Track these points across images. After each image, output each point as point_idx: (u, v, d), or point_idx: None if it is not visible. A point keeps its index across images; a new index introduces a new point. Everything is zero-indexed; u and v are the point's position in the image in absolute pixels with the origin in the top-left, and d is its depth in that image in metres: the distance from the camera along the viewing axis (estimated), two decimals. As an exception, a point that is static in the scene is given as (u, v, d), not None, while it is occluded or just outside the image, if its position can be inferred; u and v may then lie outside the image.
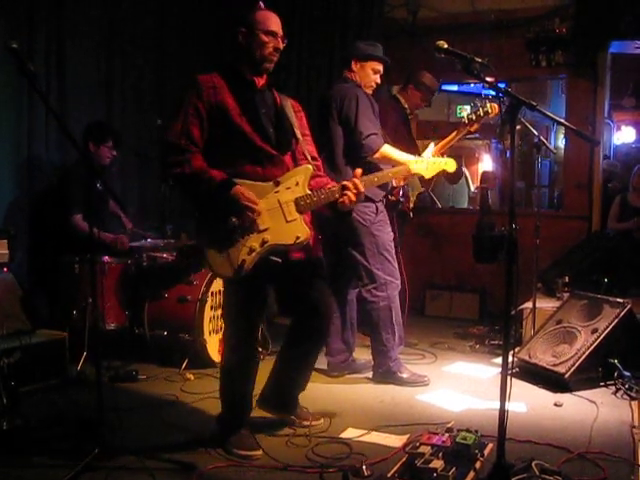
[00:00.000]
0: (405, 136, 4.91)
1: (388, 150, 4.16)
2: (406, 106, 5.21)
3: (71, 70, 5.29)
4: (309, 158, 3.27)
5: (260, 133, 3.12)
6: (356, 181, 3.16)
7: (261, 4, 3.25)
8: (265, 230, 3.02)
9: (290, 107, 3.32)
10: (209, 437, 3.28)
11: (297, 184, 3.11)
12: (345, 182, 3.16)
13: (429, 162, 3.87)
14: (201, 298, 4.52)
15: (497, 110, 3.93)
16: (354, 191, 3.14)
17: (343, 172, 4.12)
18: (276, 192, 3.09)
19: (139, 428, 3.44)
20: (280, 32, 3.18)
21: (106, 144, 4.92)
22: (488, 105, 4.05)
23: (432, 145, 4.23)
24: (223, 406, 3.33)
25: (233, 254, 2.97)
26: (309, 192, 3.12)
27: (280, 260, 3.04)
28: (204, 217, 3.05)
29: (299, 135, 3.28)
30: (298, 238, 3.06)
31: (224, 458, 3.10)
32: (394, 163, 4.20)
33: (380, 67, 4.33)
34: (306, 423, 3.45)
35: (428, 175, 3.92)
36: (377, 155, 4.13)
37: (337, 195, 3.14)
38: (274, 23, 3.18)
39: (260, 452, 3.13)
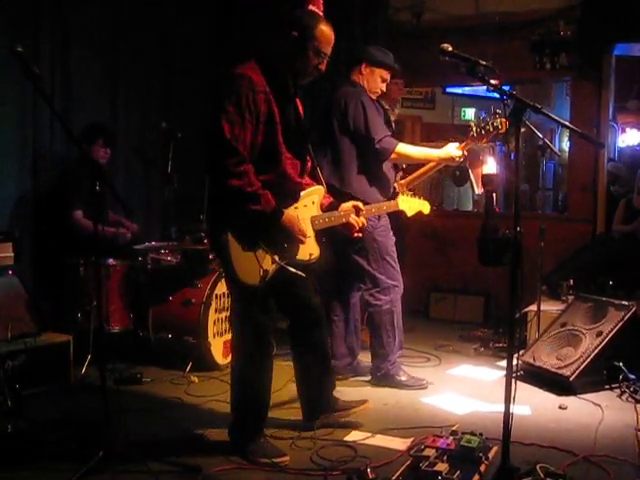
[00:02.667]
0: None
1: (403, 148, 4.18)
2: (387, 107, 4.88)
3: (75, 72, 5.31)
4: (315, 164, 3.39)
5: (292, 147, 3.14)
6: (357, 219, 3.39)
7: (319, 12, 3.15)
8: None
9: (301, 112, 3.34)
10: (227, 446, 3.24)
11: (313, 203, 3.30)
12: (351, 219, 3.37)
13: (412, 201, 4.06)
14: (205, 301, 4.52)
15: (507, 126, 3.91)
16: (357, 226, 3.39)
17: (351, 183, 4.15)
18: (295, 208, 3.20)
19: (143, 431, 3.45)
20: (329, 53, 3.12)
21: (97, 144, 4.94)
22: (498, 121, 4.01)
23: (457, 143, 4.25)
24: (237, 415, 3.25)
25: (259, 264, 3.04)
26: (322, 213, 3.31)
27: (304, 274, 3.15)
28: (238, 227, 3.02)
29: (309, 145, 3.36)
30: (311, 255, 3.23)
31: (228, 461, 3.10)
32: (412, 160, 4.34)
33: (388, 76, 4.33)
34: (352, 412, 3.52)
35: (410, 213, 4.09)
36: (394, 155, 4.14)
37: (344, 221, 3.37)
38: (330, 45, 3.12)
39: (288, 458, 3.11)
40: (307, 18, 3.10)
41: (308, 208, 3.26)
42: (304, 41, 3.06)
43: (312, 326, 3.40)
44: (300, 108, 3.29)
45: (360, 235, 3.48)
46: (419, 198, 4.10)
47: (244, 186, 2.93)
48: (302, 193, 3.25)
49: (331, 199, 3.43)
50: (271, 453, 3.11)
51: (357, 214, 3.38)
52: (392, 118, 4.84)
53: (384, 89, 4.37)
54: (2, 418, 3.39)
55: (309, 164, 3.33)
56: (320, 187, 3.36)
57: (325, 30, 3.09)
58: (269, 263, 3.06)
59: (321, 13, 3.22)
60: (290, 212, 3.12)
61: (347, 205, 3.41)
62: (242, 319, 3.23)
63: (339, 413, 3.50)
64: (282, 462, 3.07)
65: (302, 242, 3.13)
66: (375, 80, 4.29)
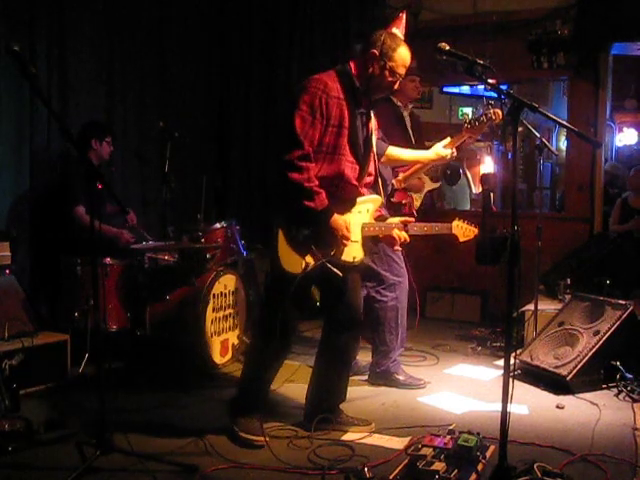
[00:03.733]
0: (400, 136, 4.79)
1: (393, 151, 4.18)
2: (399, 104, 4.85)
3: (72, 72, 5.30)
4: (379, 180, 3.50)
5: (355, 153, 3.31)
6: (400, 234, 3.37)
7: (400, 35, 3.36)
8: None
9: (376, 130, 3.52)
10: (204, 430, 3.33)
11: (367, 211, 3.42)
12: (394, 233, 3.37)
13: (466, 228, 3.78)
14: (203, 300, 4.52)
15: (500, 116, 3.92)
16: (399, 241, 3.39)
17: None
18: (350, 212, 3.33)
19: (141, 430, 3.44)
20: (403, 74, 3.31)
21: (107, 139, 5.01)
22: (492, 111, 4.02)
23: (448, 139, 4.22)
24: (240, 388, 3.47)
25: (302, 257, 3.21)
26: (374, 221, 3.41)
27: (341, 274, 3.21)
28: (289, 218, 3.24)
29: (376, 157, 3.50)
30: (355, 258, 3.33)
31: (226, 460, 3.10)
32: (404, 162, 4.32)
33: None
34: (357, 428, 3.49)
35: (462, 239, 3.80)
36: (384, 159, 4.14)
37: (391, 234, 3.39)
38: (405, 67, 3.30)
39: (262, 439, 3.22)
40: (389, 40, 3.28)
41: (362, 214, 3.39)
42: (382, 60, 3.25)
43: (344, 328, 3.48)
44: (373, 121, 3.44)
45: (399, 249, 3.53)
46: (472, 225, 3.86)
47: (303, 181, 3.12)
48: (359, 199, 3.37)
49: (381, 212, 3.53)
50: (250, 430, 3.28)
51: (405, 229, 3.40)
52: (405, 113, 4.81)
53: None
54: (-1, 417, 3.39)
55: (371, 175, 3.48)
56: (378, 197, 3.47)
57: (403, 53, 3.29)
58: (311, 258, 3.20)
59: (402, 36, 3.47)
60: (343, 216, 3.26)
61: (395, 219, 3.46)
62: (269, 301, 3.47)
63: (338, 426, 3.50)
64: (257, 441, 3.24)
65: (345, 245, 3.23)
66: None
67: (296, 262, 3.21)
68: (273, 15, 6.85)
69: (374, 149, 3.45)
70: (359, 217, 3.38)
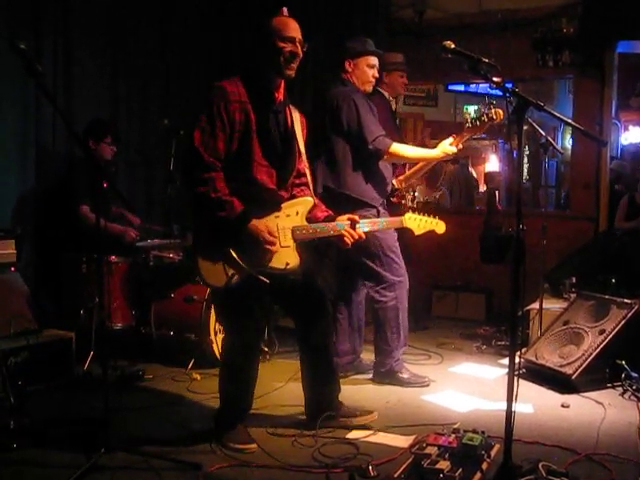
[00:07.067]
0: (394, 130, 4.80)
1: (397, 148, 4.15)
2: (390, 98, 4.94)
3: (77, 70, 5.31)
4: (309, 179, 3.42)
5: (268, 156, 3.22)
6: (352, 232, 3.32)
7: (284, 10, 3.27)
8: None
9: (299, 123, 3.39)
10: (210, 433, 3.32)
11: (297, 213, 3.30)
12: (344, 231, 3.31)
13: (422, 220, 3.79)
14: (207, 298, 4.52)
15: (502, 116, 3.92)
16: (350, 240, 3.33)
17: (346, 182, 4.16)
18: (276, 217, 3.25)
19: (145, 428, 3.45)
20: (298, 37, 3.20)
21: (105, 140, 4.95)
22: (493, 111, 4.01)
23: (450, 139, 4.21)
24: (222, 402, 3.39)
25: (224, 268, 3.12)
26: (306, 224, 3.29)
27: (268, 281, 3.13)
28: (206, 231, 3.17)
29: (303, 155, 3.40)
30: (287, 264, 3.22)
31: (230, 458, 3.10)
32: (408, 160, 4.27)
33: (375, 61, 4.28)
34: (360, 419, 3.48)
35: (417, 232, 3.83)
36: (387, 157, 4.13)
37: (332, 233, 3.32)
38: (292, 29, 3.20)
39: (254, 445, 3.20)
40: (265, 19, 3.25)
41: (291, 218, 3.27)
42: (269, 36, 3.17)
43: (315, 327, 3.42)
44: (291, 118, 3.34)
45: (349, 246, 3.40)
46: (432, 217, 3.84)
47: (209, 192, 3.05)
48: (286, 203, 3.29)
49: (329, 212, 3.43)
50: (239, 440, 3.23)
51: (352, 227, 3.34)
52: (394, 107, 4.81)
53: (376, 74, 4.31)
54: (5, 415, 3.40)
55: (303, 175, 3.41)
56: (307, 199, 3.37)
57: (280, 18, 3.22)
58: (235, 267, 3.11)
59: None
60: (264, 221, 3.17)
61: (342, 218, 3.39)
62: (222, 318, 3.49)
63: (342, 420, 3.49)
64: (248, 449, 3.19)
65: (269, 250, 3.14)
66: (363, 71, 4.25)
67: (218, 274, 3.12)
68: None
69: (300, 147, 3.36)
70: (288, 221, 3.26)
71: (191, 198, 3.18)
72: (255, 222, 3.11)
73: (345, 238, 3.32)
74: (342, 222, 3.35)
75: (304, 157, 3.40)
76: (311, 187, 3.44)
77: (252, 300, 3.21)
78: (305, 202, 3.35)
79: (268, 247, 3.13)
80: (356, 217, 3.39)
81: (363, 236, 3.39)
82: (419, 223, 3.75)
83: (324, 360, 3.49)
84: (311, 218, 3.34)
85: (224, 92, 3.11)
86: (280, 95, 3.29)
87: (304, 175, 3.43)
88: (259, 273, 3.12)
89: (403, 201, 4.55)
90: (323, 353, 3.47)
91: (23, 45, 2.79)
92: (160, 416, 3.67)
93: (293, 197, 3.38)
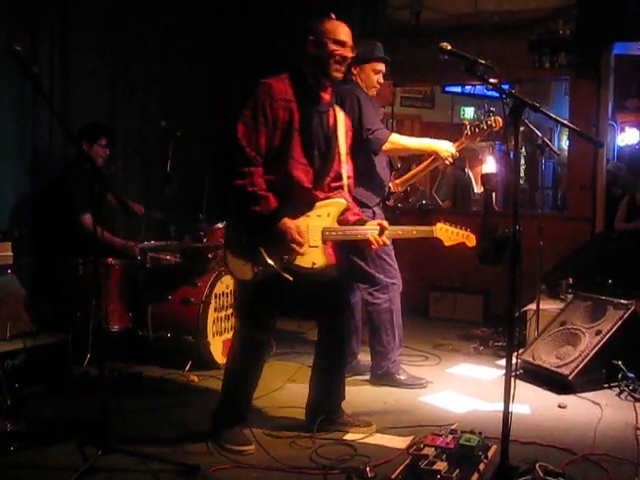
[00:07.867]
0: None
1: (397, 138, 4.16)
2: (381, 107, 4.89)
3: (74, 71, 5.30)
4: (345, 182, 3.41)
5: (308, 155, 3.24)
6: (378, 239, 3.33)
7: (333, 15, 3.32)
8: None
9: (343, 125, 3.42)
10: (208, 434, 3.31)
11: (328, 215, 3.32)
12: (371, 236, 3.33)
13: (453, 231, 3.67)
14: (205, 300, 4.52)
15: (501, 124, 3.93)
16: (376, 246, 3.36)
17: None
18: (307, 216, 3.26)
19: (143, 430, 3.44)
20: (350, 42, 3.25)
21: (99, 143, 4.92)
22: (492, 119, 4.02)
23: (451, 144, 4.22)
24: (223, 399, 3.40)
25: (252, 262, 3.16)
26: (336, 225, 3.33)
27: (291, 278, 3.15)
28: (237, 224, 3.24)
29: (343, 157, 3.40)
30: (314, 264, 3.24)
31: (228, 460, 3.10)
32: (406, 151, 4.29)
33: (381, 66, 4.29)
34: (358, 429, 3.46)
35: (447, 243, 3.68)
36: (387, 146, 4.12)
37: (360, 237, 3.35)
38: (343, 33, 3.26)
39: (252, 447, 3.20)
40: (316, 21, 3.31)
41: (321, 218, 3.29)
42: (320, 38, 3.23)
43: (336, 332, 3.44)
44: (335, 119, 3.37)
45: (373, 250, 3.51)
46: (463, 229, 3.72)
47: (246, 185, 3.08)
48: (319, 203, 3.30)
49: (360, 216, 3.46)
50: (236, 440, 3.23)
51: (381, 233, 3.35)
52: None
53: (381, 80, 4.31)
54: (1, 417, 3.38)
55: (339, 175, 3.40)
56: (340, 200, 3.37)
57: (332, 22, 3.29)
58: (262, 264, 3.13)
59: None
60: (295, 220, 3.18)
61: (372, 223, 3.42)
62: (241, 311, 3.45)
63: (340, 427, 3.48)
64: (244, 451, 3.18)
65: (297, 250, 3.15)
66: (368, 76, 4.26)
67: (246, 269, 3.16)
68: (274, 14, 6.86)
69: (341, 148, 3.37)
70: (318, 221, 3.29)
71: (220, 191, 3.22)
72: (286, 220, 3.13)
73: (370, 243, 3.35)
74: (372, 227, 3.37)
75: (344, 158, 3.40)
76: (347, 189, 3.44)
77: (275, 298, 3.24)
78: (338, 204, 3.37)
79: (294, 246, 3.14)
80: (385, 223, 3.40)
81: (388, 243, 3.44)
82: (450, 235, 3.65)
83: (338, 366, 3.52)
84: (342, 220, 3.37)
85: (270, 89, 3.14)
86: (327, 96, 3.31)
87: (341, 177, 3.42)
88: (285, 271, 3.14)
89: (399, 205, 4.56)
90: (338, 359, 3.50)
91: (18, 46, 2.78)
92: (158, 418, 3.66)
93: (328, 198, 3.38)
